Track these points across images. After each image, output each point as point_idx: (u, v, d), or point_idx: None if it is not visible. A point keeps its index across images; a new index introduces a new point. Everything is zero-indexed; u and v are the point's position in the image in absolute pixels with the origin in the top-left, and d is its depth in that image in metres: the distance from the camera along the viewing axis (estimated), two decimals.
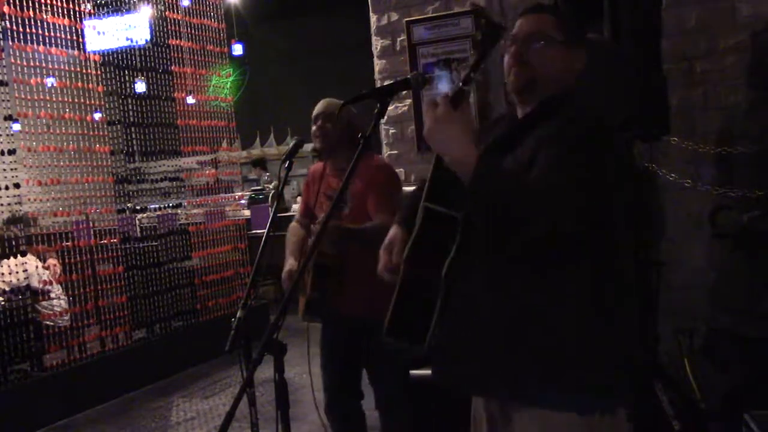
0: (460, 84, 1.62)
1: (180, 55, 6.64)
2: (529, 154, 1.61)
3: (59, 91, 5.46)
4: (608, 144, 1.62)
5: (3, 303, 4.95)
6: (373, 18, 4.44)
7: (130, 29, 6.26)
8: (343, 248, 2.79)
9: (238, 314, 2.25)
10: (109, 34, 6.10)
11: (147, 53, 6.35)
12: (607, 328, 1.62)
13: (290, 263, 3.02)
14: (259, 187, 9.80)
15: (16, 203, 4.97)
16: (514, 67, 1.72)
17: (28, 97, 5.21)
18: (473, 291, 1.66)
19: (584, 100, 1.74)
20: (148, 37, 6.34)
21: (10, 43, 5.09)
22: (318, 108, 3.07)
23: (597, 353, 1.61)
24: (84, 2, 5.75)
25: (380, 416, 3.14)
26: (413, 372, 3.02)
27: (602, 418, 1.62)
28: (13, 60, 5.12)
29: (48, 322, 5.24)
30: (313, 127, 3.04)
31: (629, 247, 1.69)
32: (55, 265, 5.30)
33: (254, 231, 7.67)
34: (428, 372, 1.84)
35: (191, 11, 6.73)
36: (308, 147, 3.17)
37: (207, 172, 6.93)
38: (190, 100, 6.71)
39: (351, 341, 3.08)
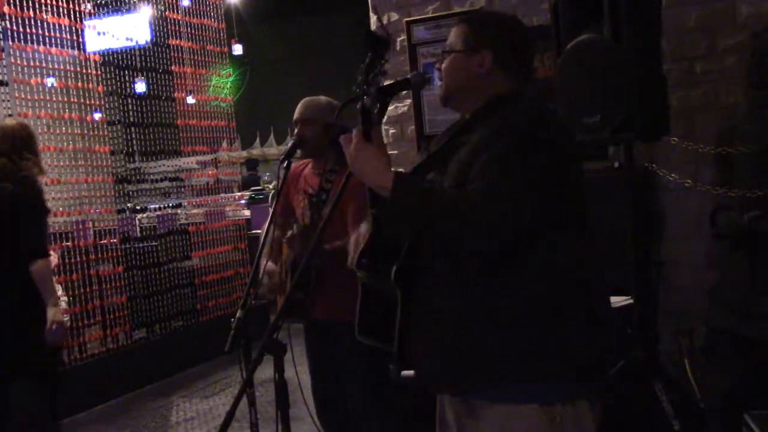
0: (368, 108, 1.72)
1: (180, 55, 6.64)
2: (466, 159, 1.68)
3: (59, 91, 5.46)
4: (545, 141, 1.67)
5: None
6: (373, 18, 4.44)
7: (130, 29, 6.26)
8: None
9: (238, 314, 2.25)
10: (109, 34, 6.09)
11: (147, 53, 6.35)
12: (558, 319, 1.66)
13: (268, 265, 2.95)
14: (258, 187, 9.81)
15: None
16: (440, 80, 1.85)
17: (28, 97, 5.21)
18: (426, 293, 1.71)
19: (532, 101, 1.80)
20: (148, 37, 6.34)
21: (10, 43, 5.09)
22: (297, 112, 2.99)
23: (551, 344, 1.65)
24: (84, 2, 5.75)
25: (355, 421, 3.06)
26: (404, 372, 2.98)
27: (564, 408, 1.65)
28: (13, 60, 5.12)
29: None
30: (295, 130, 2.99)
31: (579, 237, 1.72)
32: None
33: (254, 231, 7.67)
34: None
35: (191, 11, 6.74)
36: None
37: (209, 172, 6.94)
38: (190, 100, 6.71)
39: (332, 344, 2.99)
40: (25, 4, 5.16)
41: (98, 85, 5.80)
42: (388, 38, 1.76)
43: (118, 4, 6.31)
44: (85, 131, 5.69)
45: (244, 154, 11.47)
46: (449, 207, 1.58)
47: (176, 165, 6.57)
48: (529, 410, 1.64)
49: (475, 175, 1.62)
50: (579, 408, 1.68)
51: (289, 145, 2.94)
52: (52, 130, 5.44)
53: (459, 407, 1.77)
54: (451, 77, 1.82)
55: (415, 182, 1.72)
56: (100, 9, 6.20)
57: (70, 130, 5.56)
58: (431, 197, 1.62)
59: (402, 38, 4.33)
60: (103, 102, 5.88)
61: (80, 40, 5.66)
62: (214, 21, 7.02)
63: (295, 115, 2.99)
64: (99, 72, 5.85)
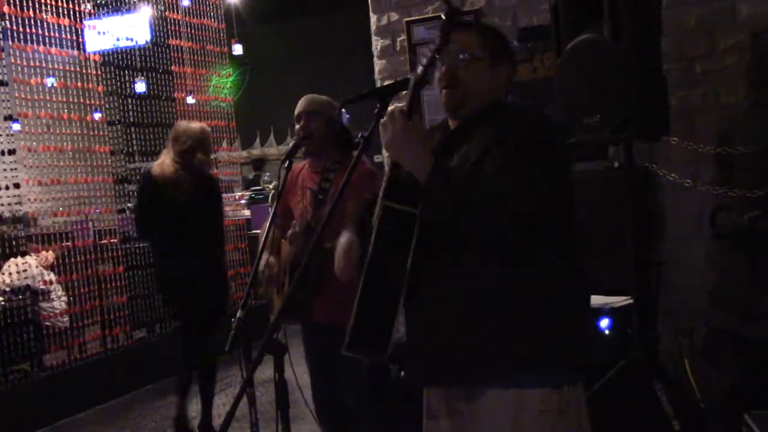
0: (412, 90, 1.70)
1: (180, 55, 6.64)
2: (473, 160, 1.69)
3: (59, 91, 5.46)
4: (551, 143, 1.71)
5: (3, 303, 4.95)
6: (373, 18, 4.43)
7: (130, 29, 6.25)
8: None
9: (238, 314, 2.25)
10: (109, 34, 6.10)
11: (147, 53, 6.35)
12: (559, 319, 1.71)
13: (265, 258, 2.89)
14: (258, 187, 9.81)
15: (16, 203, 4.97)
16: (445, 88, 1.81)
17: (28, 97, 5.21)
18: (431, 288, 1.71)
19: (532, 104, 1.87)
20: (148, 37, 6.34)
21: (10, 43, 5.09)
22: (300, 106, 2.96)
23: (553, 344, 1.70)
24: (84, 2, 5.75)
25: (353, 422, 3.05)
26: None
27: (569, 390, 1.72)
28: (13, 60, 5.12)
29: (47, 323, 5.24)
30: (297, 126, 2.95)
31: (575, 233, 1.78)
32: (47, 255, 5.26)
33: (254, 231, 7.66)
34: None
35: (191, 11, 6.74)
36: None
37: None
38: (190, 100, 6.71)
39: (332, 345, 2.98)
40: (25, 4, 5.16)
41: (98, 85, 5.81)
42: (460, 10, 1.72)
43: (118, 4, 6.31)
44: (85, 131, 5.69)
45: (244, 154, 11.46)
46: (482, 196, 1.59)
47: None
48: (542, 393, 1.69)
49: (490, 174, 1.64)
50: (579, 388, 1.76)
51: (292, 143, 2.92)
52: (52, 130, 5.44)
53: (458, 401, 1.78)
54: (475, 84, 1.79)
55: (450, 170, 1.68)
56: (100, 9, 6.20)
57: (70, 130, 5.56)
58: (466, 185, 1.62)
59: (402, 38, 4.33)
60: (103, 102, 5.88)
61: (80, 40, 5.66)
62: (214, 21, 7.03)
63: (298, 109, 2.95)
64: (99, 72, 5.86)
